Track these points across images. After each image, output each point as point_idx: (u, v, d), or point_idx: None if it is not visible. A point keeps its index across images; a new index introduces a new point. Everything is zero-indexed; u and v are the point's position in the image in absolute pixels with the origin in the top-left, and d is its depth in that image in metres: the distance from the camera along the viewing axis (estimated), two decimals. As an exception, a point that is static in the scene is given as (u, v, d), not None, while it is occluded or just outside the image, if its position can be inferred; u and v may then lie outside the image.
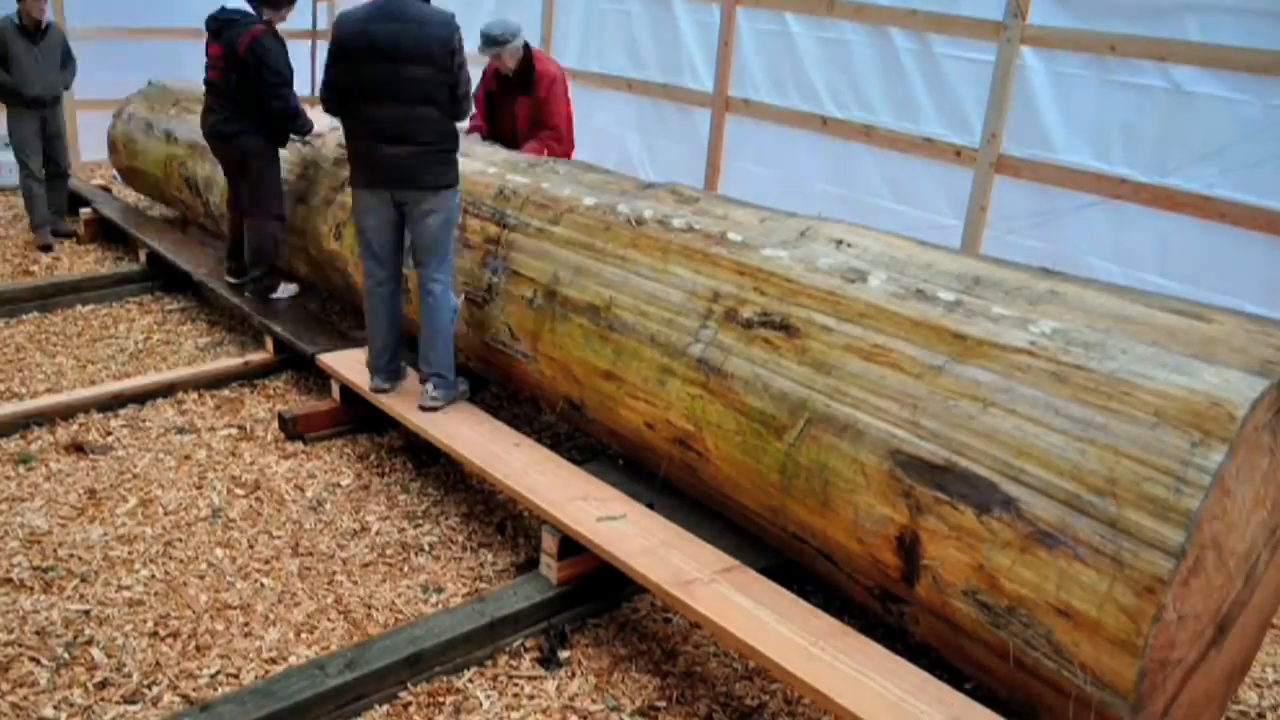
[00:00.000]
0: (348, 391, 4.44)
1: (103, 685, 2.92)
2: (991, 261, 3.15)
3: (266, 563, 3.55)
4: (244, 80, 4.97)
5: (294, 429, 4.43)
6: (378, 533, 3.79)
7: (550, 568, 3.29)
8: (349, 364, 4.51)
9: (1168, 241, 4.78)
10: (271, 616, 3.27)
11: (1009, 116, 5.27)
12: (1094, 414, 2.44)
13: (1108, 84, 4.90)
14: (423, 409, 4.04)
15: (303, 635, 3.20)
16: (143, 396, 4.70)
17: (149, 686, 2.92)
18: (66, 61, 6.81)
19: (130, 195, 8.03)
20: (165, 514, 3.80)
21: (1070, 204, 5.11)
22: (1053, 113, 5.13)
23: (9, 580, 3.36)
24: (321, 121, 5.12)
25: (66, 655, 3.02)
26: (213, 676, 2.99)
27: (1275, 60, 4.34)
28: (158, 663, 3.02)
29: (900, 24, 5.70)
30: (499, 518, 3.95)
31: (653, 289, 3.54)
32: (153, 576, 3.43)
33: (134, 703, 2.86)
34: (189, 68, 8.22)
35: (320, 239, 5.21)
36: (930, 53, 5.59)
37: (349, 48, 3.83)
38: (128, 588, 3.36)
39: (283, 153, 5.30)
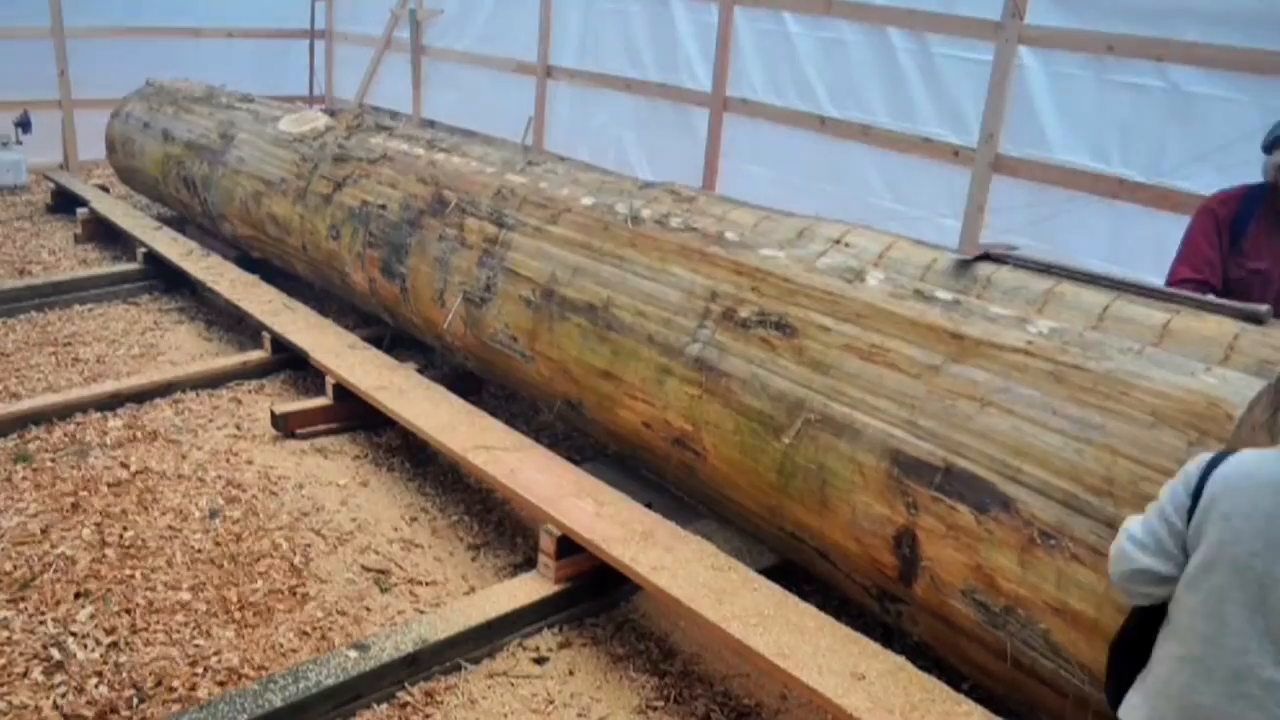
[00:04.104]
0: (342, 390, 4.44)
1: (100, 687, 2.91)
2: (990, 261, 3.14)
3: (265, 562, 3.55)
4: None
5: (285, 426, 4.43)
6: (376, 531, 3.79)
7: (548, 567, 3.29)
8: (343, 362, 4.51)
9: (1165, 241, 4.77)
10: (269, 616, 3.27)
11: (1007, 116, 5.28)
12: (1091, 414, 2.44)
13: (1105, 84, 4.90)
14: None
15: (301, 634, 3.20)
16: (141, 396, 4.70)
17: (152, 688, 2.92)
18: None
19: (128, 194, 8.02)
20: (163, 513, 3.79)
21: (1068, 204, 5.11)
22: (1050, 113, 5.13)
23: (4, 580, 3.36)
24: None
25: (63, 656, 3.02)
26: (213, 676, 2.99)
27: (1274, 60, 4.35)
28: (158, 663, 3.02)
29: (898, 23, 5.70)
30: (497, 517, 3.95)
31: (650, 289, 3.54)
32: (152, 576, 3.42)
33: (134, 703, 2.86)
34: (189, 68, 8.25)
35: (318, 239, 5.21)
36: (928, 52, 5.60)
37: None
38: (127, 588, 3.36)
39: (279, 151, 5.26)
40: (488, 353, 4.26)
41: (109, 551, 3.54)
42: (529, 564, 3.45)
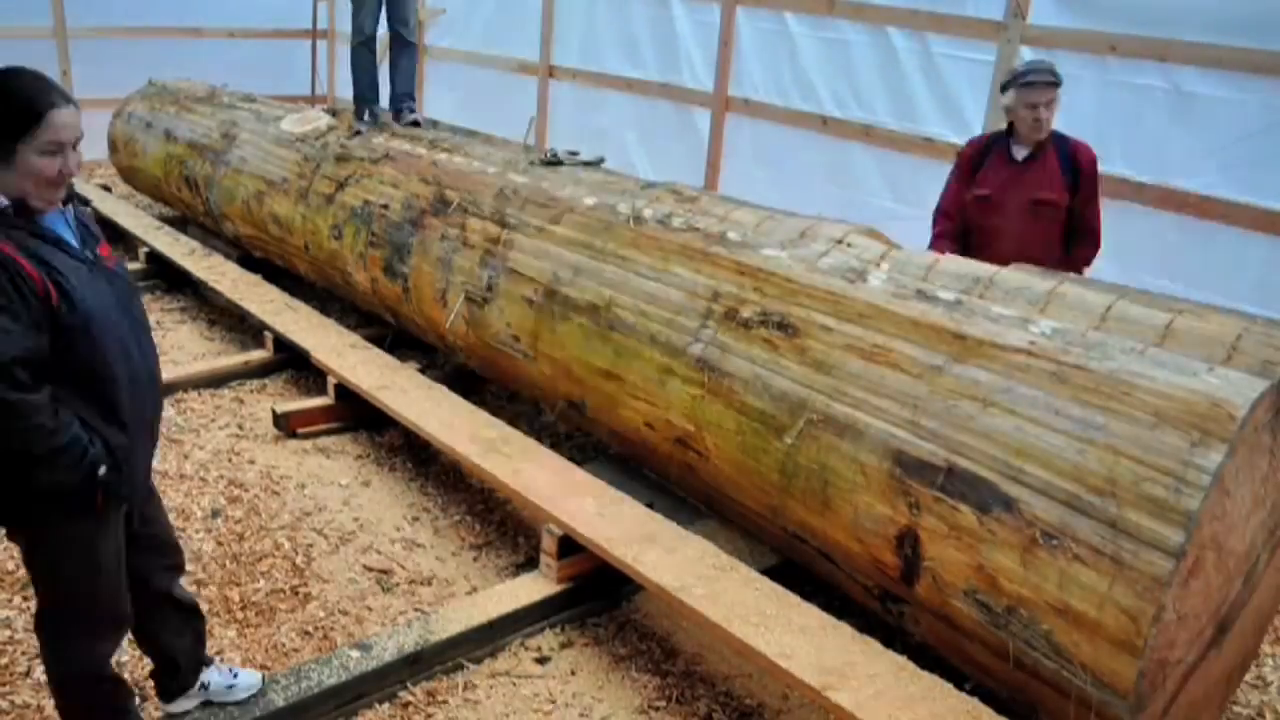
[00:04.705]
0: (343, 389, 4.44)
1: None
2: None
3: (267, 561, 3.55)
4: None
5: (287, 426, 4.43)
6: (378, 531, 3.79)
7: (550, 567, 3.29)
8: (345, 361, 4.51)
9: (1167, 242, 4.78)
10: (271, 616, 3.27)
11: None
12: (1094, 414, 2.44)
13: (1108, 84, 4.90)
14: None
15: (303, 634, 3.20)
16: (142, 396, 4.70)
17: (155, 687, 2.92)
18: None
19: (130, 194, 8.02)
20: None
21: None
22: (1053, 113, 5.12)
23: (7, 579, 3.36)
24: None
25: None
26: (212, 676, 2.99)
27: (1275, 60, 4.35)
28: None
29: (900, 24, 5.70)
30: (499, 517, 3.95)
31: (653, 289, 3.54)
32: (152, 576, 3.42)
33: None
34: (191, 68, 8.26)
35: (320, 238, 5.21)
36: (930, 53, 5.59)
37: None
38: (127, 587, 3.36)
39: (281, 150, 5.17)
40: (490, 353, 4.26)
41: (111, 551, 3.53)
42: (531, 564, 3.45)
